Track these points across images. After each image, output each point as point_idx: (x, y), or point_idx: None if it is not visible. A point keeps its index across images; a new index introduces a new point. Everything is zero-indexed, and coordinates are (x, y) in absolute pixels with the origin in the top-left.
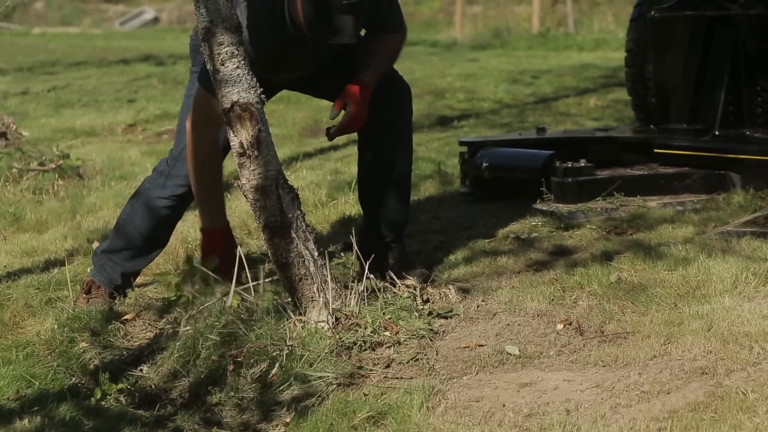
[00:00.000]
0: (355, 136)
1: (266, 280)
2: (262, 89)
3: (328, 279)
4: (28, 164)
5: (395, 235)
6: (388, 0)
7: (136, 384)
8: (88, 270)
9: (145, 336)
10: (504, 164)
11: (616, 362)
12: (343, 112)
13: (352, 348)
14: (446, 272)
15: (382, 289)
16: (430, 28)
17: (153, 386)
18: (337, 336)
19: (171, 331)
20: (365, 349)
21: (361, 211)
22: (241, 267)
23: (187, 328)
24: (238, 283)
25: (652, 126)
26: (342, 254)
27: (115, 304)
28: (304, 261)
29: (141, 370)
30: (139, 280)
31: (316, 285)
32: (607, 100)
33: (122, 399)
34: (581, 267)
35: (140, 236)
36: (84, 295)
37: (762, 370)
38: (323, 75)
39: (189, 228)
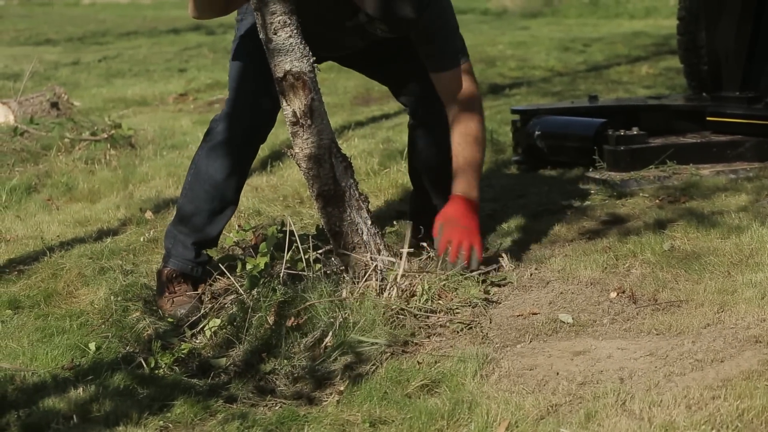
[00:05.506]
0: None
1: (319, 250)
2: (315, 58)
3: (381, 247)
4: (80, 134)
5: None
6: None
7: (190, 353)
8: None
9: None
10: (556, 132)
11: (670, 330)
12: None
13: (406, 316)
14: (499, 240)
15: (435, 258)
16: None
17: (207, 355)
18: (391, 304)
19: (225, 300)
20: (419, 317)
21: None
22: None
23: (241, 297)
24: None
25: (704, 94)
26: (395, 222)
27: (202, 296)
28: (358, 229)
29: (195, 339)
30: None
31: (369, 253)
32: (658, 68)
33: (176, 368)
34: (634, 235)
35: (211, 191)
36: (167, 294)
37: None
38: (378, 60)
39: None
